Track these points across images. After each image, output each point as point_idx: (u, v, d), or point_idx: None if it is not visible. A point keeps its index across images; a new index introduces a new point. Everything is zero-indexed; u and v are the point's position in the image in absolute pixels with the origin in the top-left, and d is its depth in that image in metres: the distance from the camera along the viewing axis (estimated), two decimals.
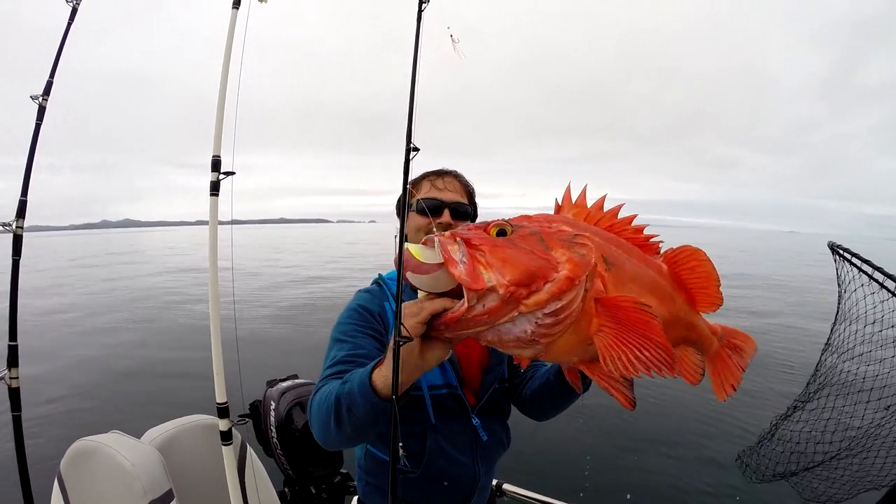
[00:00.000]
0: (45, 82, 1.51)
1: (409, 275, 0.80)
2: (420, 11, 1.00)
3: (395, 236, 1.49)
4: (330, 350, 1.27)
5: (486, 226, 0.83)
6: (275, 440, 2.47)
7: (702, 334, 1.06)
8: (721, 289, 1.01)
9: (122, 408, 6.06)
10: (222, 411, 1.32)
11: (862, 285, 2.59)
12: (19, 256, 1.41)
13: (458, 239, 0.79)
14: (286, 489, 2.63)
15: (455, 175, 1.52)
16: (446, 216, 1.43)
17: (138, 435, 1.64)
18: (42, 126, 1.51)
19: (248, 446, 1.82)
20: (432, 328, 0.83)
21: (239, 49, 1.34)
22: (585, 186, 0.97)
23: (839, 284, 3.21)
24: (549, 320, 0.77)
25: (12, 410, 1.35)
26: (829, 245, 3.41)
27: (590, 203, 0.98)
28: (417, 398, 1.34)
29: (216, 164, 1.30)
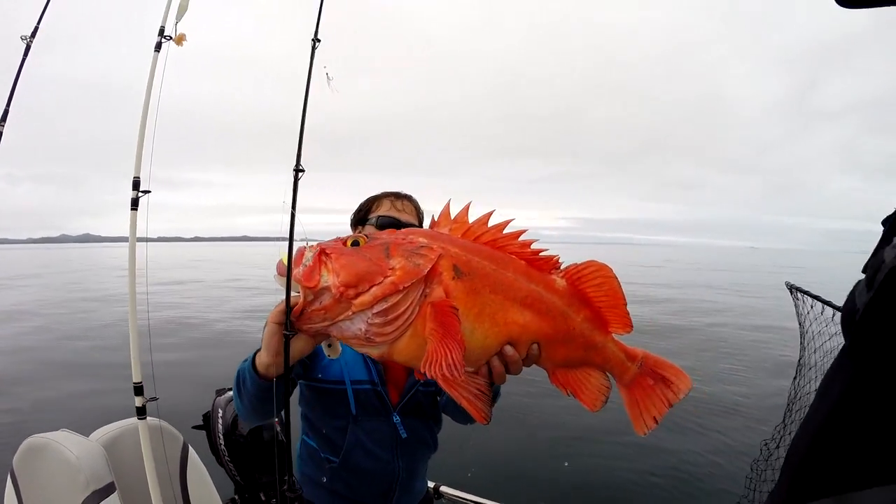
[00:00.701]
0: (1, 110, 1.65)
1: (274, 275, 0.95)
2: (313, 49, 1.20)
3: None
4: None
5: (346, 238, 0.92)
6: (222, 447, 2.60)
7: (609, 357, 0.99)
8: (628, 310, 0.95)
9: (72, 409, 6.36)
10: (138, 389, 1.52)
11: (818, 317, 2.96)
12: None
13: (315, 247, 0.89)
14: (236, 496, 2.75)
15: (412, 200, 1.62)
16: None
17: (87, 434, 1.80)
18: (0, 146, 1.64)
19: (189, 447, 1.97)
20: (291, 323, 0.93)
21: (157, 89, 1.56)
22: (469, 203, 0.98)
23: (799, 319, 3.47)
24: (378, 320, 0.85)
25: None
26: (786, 285, 3.65)
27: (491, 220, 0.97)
28: (340, 391, 1.43)
29: (136, 184, 1.50)
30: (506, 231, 0.97)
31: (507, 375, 0.96)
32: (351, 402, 1.42)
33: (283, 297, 0.93)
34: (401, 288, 0.84)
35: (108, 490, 1.55)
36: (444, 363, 0.80)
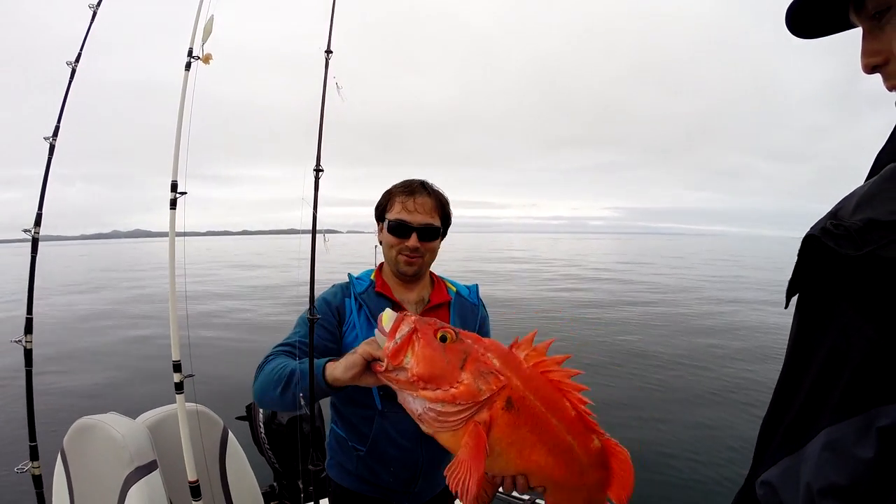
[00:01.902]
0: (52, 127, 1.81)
1: (375, 331, 1.07)
2: (327, 61, 1.27)
3: (375, 246, 1.72)
4: (294, 328, 1.50)
5: (438, 326, 1.03)
6: (263, 435, 2.68)
7: None
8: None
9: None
10: (176, 366, 1.58)
11: None
12: (36, 254, 1.70)
13: (411, 323, 1.03)
14: (275, 483, 2.83)
15: (427, 192, 1.57)
16: (413, 240, 1.53)
17: (135, 416, 1.88)
18: (52, 162, 1.80)
19: (229, 432, 2.03)
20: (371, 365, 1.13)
21: (188, 106, 1.67)
22: (552, 340, 1.09)
23: None
24: (432, 413, 0.98)
25: (26, 366, 1.64)
26: None
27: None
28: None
29: (174, 186, 1.61)
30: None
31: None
32: (376, 398, 1.46)
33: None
34: (458, 402, 0.96)
35: (150, 467, 1.61)
36: (459, 483, 0.93)
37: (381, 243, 1.63)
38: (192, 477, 1.57)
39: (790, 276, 0.51)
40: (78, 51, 1.78)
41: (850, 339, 0.45)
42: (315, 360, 1.28)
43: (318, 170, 1.26)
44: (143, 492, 1.55)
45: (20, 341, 1.61)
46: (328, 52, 1.31)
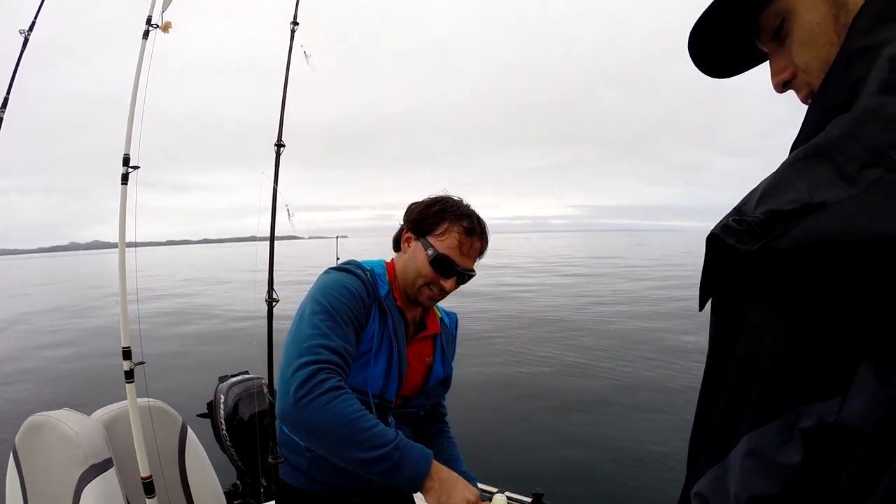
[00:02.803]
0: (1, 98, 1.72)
1: None
2: (293, 32, 1.26)
3: (337, 237, 1.66)
4: (315, 315, 1.26)
5: None
6: (224, 432, 2.63)
7: None
8: None
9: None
10: (126, 353, 1.55)
11: None
12: None
13: None
14: (238, 482, 2.78)
15: (485, 237, 1.45)
16: (451, 283, 1.41)
17: (90, 413, 1.83)
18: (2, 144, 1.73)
19: (188, 429, 1.99)
20: None
21: (145, 73, 1.61)
22: None
23: None
24: None
25: None
26: None
27: None
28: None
29: (126, 160, 1.56)
30: None
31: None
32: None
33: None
34: None
35: (106, 465, 1.58)
36: None
37: (399, 248, 1.49)
38: (144, 472, 1.54)
39: (700, 279, 0.49)
40: (32, 20, 1.71)
41: (762, 340, 0.43)
42: (412, 453, 1.17)
43: (279, 144, 1.22)
44: (98, 490, 1.52)
45: None
46: (294, 23, 1.28)
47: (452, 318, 1.68)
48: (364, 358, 1.35)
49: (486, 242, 1.45)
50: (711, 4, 0.62)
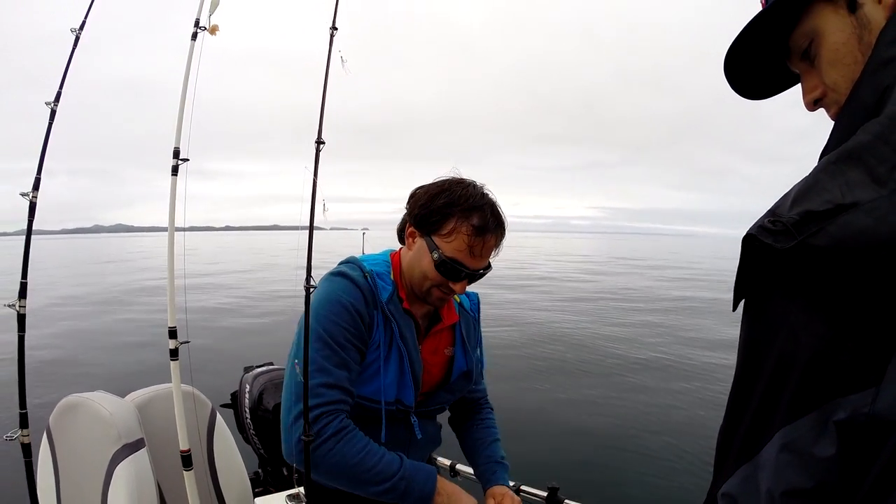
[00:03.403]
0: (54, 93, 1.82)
1: None
2: (332, 36, 1.29)
3: (363, 233, 1.65)
4: (318, 351, 1.22)
5: None
6: (248, 421, 2.68)
7: None
8: None
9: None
10: (171, 332, 1.59)
11: None
12: (33, 217, 1.72)
13: None
14: (260, 470, 2.83)
15: (500, 231, 1.33)
16: (461, 286, 1.32)
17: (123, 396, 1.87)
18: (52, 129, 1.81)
19: (217, 414, 2.03)
20: None
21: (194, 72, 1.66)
22: None
23: None
24: None
25: (19, 331, 1.64)
26: None
27: None
28: (372, 408, 1.32)
29: (176, 153, 1.62)
30: None
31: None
32: (383, 430, 1.32)
33: None
34: None
35: (138, 445, 1.60)
36: None
37: (404, 241, 1.41)
38: (184, 446, 1.58)
39: (735, 279, 0.51)
40: (83, 19, 1.80)
41: (799, 337, 0.44)
42: (417, 481, 1.24)
43: (319, 142, 1.26)
44: (129, 469, 1.54)
45: (13, 305, 1.60)
46: (333, 28, 1.33)
47: (473, 298, 1.58)
48: (373, 367, 1.31)
49: (503, 234, 1.33)
50: (744, 28, 0.65)
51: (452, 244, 1.26)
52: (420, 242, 1.31)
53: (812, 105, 0.65)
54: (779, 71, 0.70)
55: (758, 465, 0.46)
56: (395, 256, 1.42)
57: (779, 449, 0.44)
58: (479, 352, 1.56)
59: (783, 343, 0.45)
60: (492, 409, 1.68)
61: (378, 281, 1.33)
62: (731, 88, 0.73)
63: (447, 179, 1.34)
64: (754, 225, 0.47)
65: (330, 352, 1.23)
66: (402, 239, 1.42)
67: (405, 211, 1.39)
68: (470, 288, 1.38)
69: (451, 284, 1.30)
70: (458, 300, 1.53)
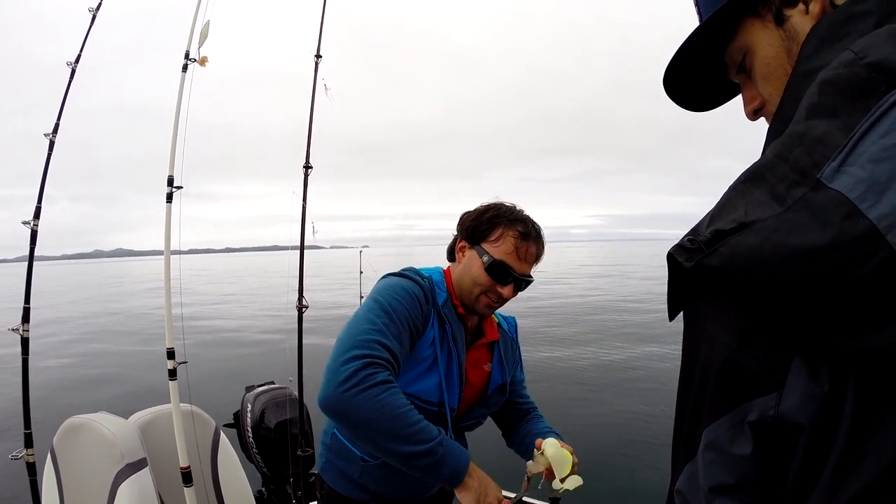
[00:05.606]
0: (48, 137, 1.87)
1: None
2: (316, 65, 1.34)
3: (360, 250, 1.69)
4: (373, 311, 1.25)
5: None
6: (251, 439, 2.68)
7: None
8: None
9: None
10: (169, 353, 1.61)
11: None
12: (34, 245, 1.75)
13: None
14: (263, 489, 2.82)
15: (542, 242, 1.42)
16: (509, 290, 1.37)
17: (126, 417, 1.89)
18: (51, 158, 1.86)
19: (221, 433, 2.04)
20: None
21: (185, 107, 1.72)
22: None
23: None
24: None
25: (22, 354, 1.67)
26: None
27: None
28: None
29: (170, 181, 1.66)
30: None
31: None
32: (449, 426, 1.35)
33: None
34: None
35: (140, 464, 1.62)
36: None
37: (454, 258, 1.46)
38: (183, 463, 1.60)
39: (666, 293, 0.53)
40: (78, 52, 1.85)
41: (713, 346, 0.47)
42: (451, 453, 1.17)
43: (307, 167, 1.30)
44: (132, 487, 1.56)
45: (17, 329, 1.63)
46: (318, 56, 1.38)
47: (511, 322, 1.64)
48: (423, 365, 1.34)
49: (543, 247, 1.42)
50: (680, 46, 0.66)
51: (501, 248, 1.35)
52: (470, 253, 1.40)
53: (752, 115, 0.65)
54: (722, 82, 0.70)
55: (696, 463, 0.48)
56: (446, 271, 1.48)
57: (703, 448, 0.47)
58: (519, 369, 1.63)
59: (704, 351, 0.48)
60: (542, 417, 1.67)
61: (436, 286, 1.40)
62: (674, 103, 0.73)
63: (492, 202, 1.44)
64: (677, 243, 0.49)
65: (389, 321, 1.24)
66: (451, 257, 1.50)
67: (454, 233, 1.49)
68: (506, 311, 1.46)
69: (498, 289, 1.35)
70: (497, 321, 1.58)
